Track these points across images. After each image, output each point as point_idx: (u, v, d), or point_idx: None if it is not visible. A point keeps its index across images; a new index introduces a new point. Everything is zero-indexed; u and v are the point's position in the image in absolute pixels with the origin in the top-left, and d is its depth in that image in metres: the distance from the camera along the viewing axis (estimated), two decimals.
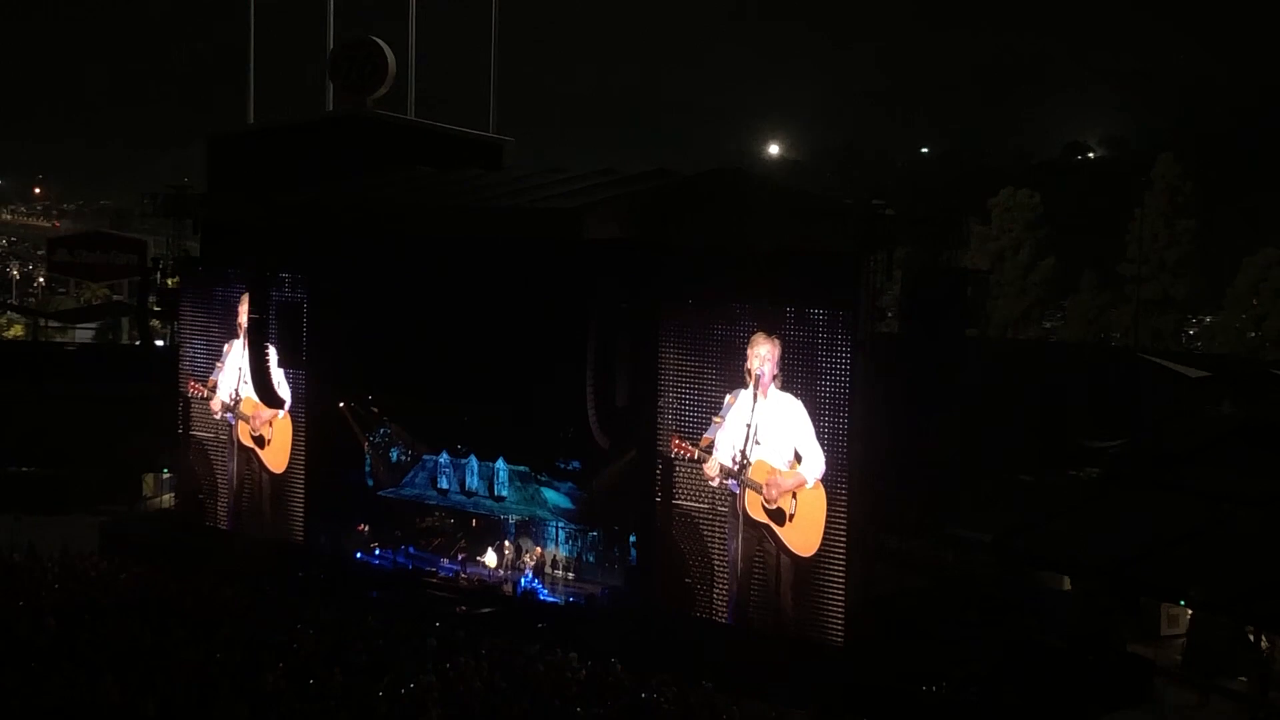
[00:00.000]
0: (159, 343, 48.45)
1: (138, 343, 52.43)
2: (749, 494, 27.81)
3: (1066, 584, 31.07)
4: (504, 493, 31.90)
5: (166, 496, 39.80)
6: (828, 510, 26.91)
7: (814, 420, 26.96)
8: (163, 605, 26.62)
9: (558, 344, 29.36)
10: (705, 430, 28.26)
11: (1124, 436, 36.89)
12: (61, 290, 76.18)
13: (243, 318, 34.15)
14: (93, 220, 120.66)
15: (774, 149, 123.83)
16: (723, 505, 28.18)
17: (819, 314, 26.92)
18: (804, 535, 27.20)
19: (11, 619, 24.78)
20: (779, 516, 27.55)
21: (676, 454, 28.47)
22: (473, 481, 32.31)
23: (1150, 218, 66.29)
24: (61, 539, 31.91)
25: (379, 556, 32.86)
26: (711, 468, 28.14)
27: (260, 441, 34.75)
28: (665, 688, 23.26)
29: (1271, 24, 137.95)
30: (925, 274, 28.20)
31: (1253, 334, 63.82)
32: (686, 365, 28.58)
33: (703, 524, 28.43)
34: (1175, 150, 69.52)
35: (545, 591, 30.52)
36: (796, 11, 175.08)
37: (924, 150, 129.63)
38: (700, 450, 28.18)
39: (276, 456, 34.49)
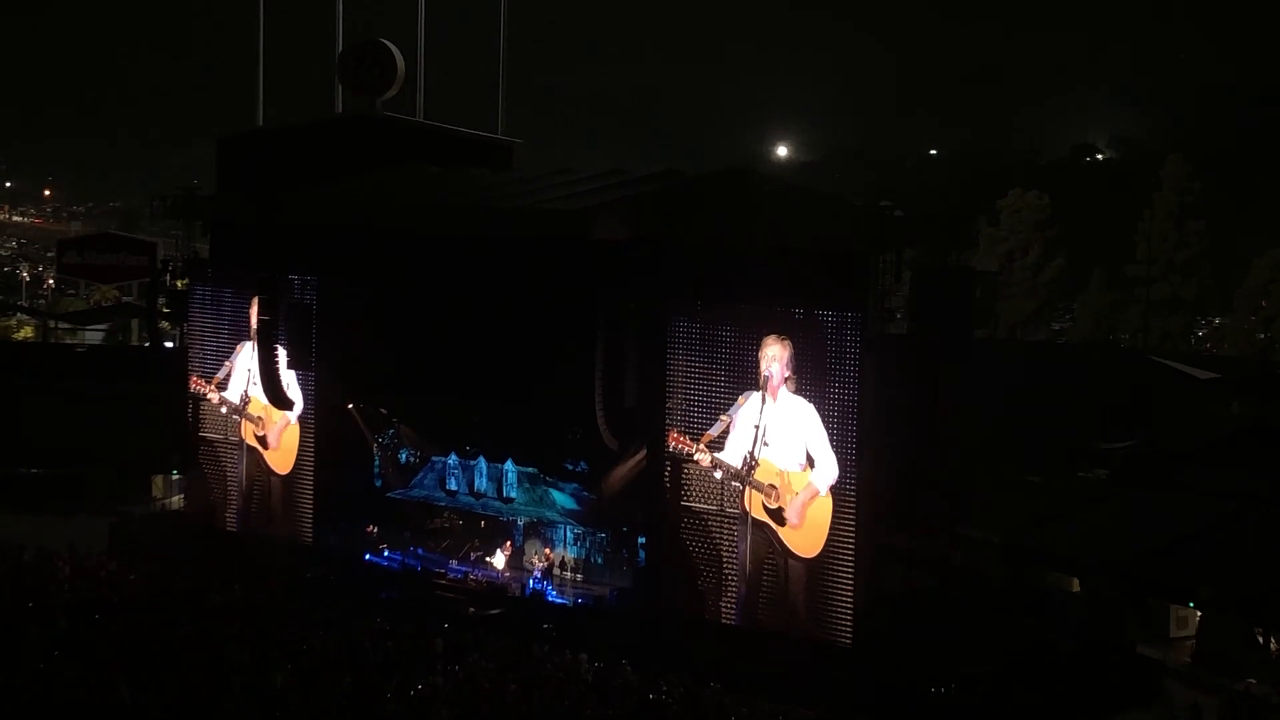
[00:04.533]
0: (168, 344, 48.43)
1: (147, 344, 52.44)
2: (751, 494, 27.80)
3: (1075, 585, 31.03)
4: (512, 494, 31.88)
5: (176, 497, 39.83)
6: (834, 511, 26.90)
7: (824, 423, 26.96)
8: (172, 605, 26.66)
9: (566, 345, 29.40)
10: (709, 428, 28.22)
11: (1133, 437, 36.83)
12: (71, 292, 76.24)
13: (253, 319, 34.21)
14: (102, 222, 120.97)
15: (783, 149, 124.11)
16: (732, 506, 28.15)
17: (827, 315, 26.90)
18: (805, 536, 27.19)
19: (22, 618, 24.83)
20: (779, 516, 27.56)
21: (674, 447, 28.43)
22: (481, 483, 32.30)
23: (1159, 219, 66.37)
24: (71, 539, 31.96)
25: (388, 558, 32.89)
26: (704, 459, 28.07)
27: (266, 443, 34.77)
28: (674, 688, 23.26)
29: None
30: (934, 275, 28.16)
31: (1262, 335, 63.88)
32: (695, 366, 28.55)
33: (712, 525, 28.39)
34: (1185, 151, 69.49)
35: (554, 593, 30.54)
36: (807, 10, 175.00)
37: (933, 151, 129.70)
38: (699, 446, 28.15)
39: (284, 458, 34.47)
